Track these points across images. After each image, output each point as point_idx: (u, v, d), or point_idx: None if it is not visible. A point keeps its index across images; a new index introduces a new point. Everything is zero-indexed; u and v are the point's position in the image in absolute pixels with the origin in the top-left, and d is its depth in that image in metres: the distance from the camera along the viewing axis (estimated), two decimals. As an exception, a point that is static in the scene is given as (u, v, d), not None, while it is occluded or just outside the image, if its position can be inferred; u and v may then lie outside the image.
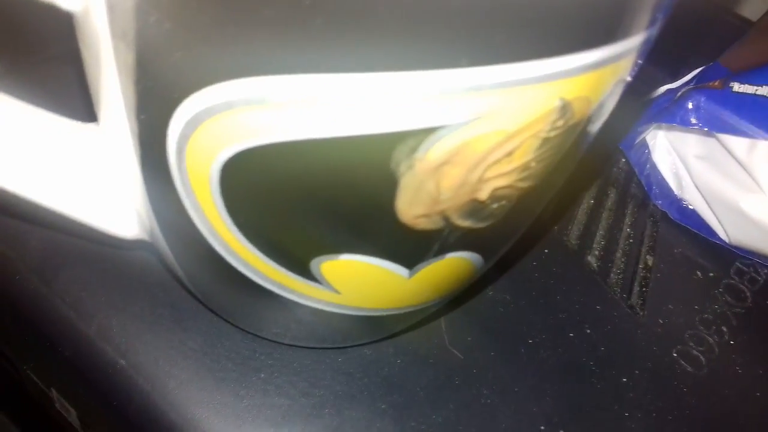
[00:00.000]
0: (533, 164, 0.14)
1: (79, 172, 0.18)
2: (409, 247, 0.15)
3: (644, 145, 0.27)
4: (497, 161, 0.13)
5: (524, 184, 0.14)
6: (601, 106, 0.14)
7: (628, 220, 0.27)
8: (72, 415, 0.23)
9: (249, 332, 0.20)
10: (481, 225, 0.15)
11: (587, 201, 0.27)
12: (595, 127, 0.15)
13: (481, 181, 0.14)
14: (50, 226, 0.19)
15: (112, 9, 0.12)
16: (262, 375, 0.20)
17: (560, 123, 0.13)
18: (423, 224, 0.14)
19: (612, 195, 0.28)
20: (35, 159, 0.17)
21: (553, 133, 0.13)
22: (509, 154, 0.13)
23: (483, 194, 0.14)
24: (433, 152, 0.12)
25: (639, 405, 0.22)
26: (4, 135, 0.17)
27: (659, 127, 0.27)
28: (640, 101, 0.26)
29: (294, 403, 0.20)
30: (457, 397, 0.21)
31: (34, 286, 0.20)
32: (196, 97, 0.12)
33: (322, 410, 0.20)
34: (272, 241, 0.15)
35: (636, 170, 0.28)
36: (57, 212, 0.17)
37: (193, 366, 0.19)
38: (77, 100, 0.18)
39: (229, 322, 0.20)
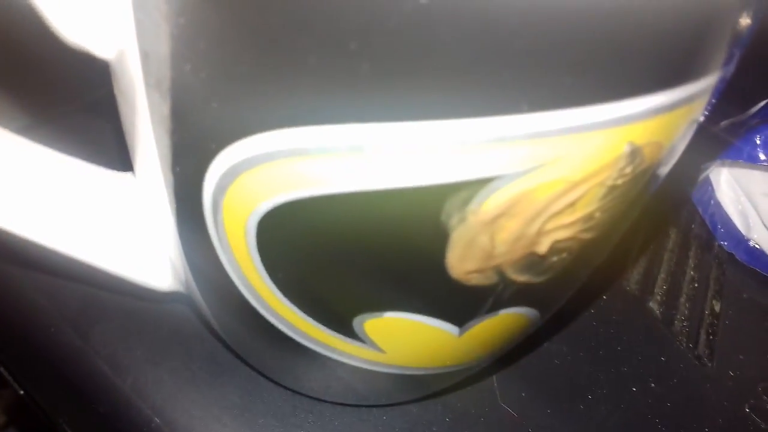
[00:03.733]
0: (597, 214, 0.13)
1: (113, 222, 0.17)
2: (460, 304, 0.14)
3: (708, 182, 0.26)
4: (558, 212, 0.12)
5: (587, 236, 0.13)
6: (672, 149, 0.13)
7: (691, 263, 0.25)
8: (107, 472, 0.22)
9: (289, 388, 0.19)
10: (538, 279, 0.14)
11: (647, 242, 0.25)
12: (664, 171, 0.14)
13: (541, 233, 0.12)
14: (84, 280, 0.19)
15: (146, 57, 0.11)
16: (303, 434, 0.19)
17: (628, 170, 0.12)
18: (475, 280, 0.13)
19: (673, 235, 0.26)
20: (69, 210, 0.17)
21: (620, 181, 0.12)
22: (572, 204, 0.12)
23: (542, 248, 0.13)
24: (488, 204, 0.11)
25: (712, 469, 0.20)
26: (40, 186, 0.16)
27: (723, 164, 0.25)
28: (705, 136, 0.25)
29: (336, 464, 0.18)
30: (512, 459, 0.19)
31: (69, 339, 0.20)
32: (233, 149, 0.11)
33: (367, 473, 0.18)
34: (312, 298, 0.14)
35: (699, 209, 0.26)
36: (91, 265, 0.17)
37: (232, 424, 0.18)
38: (114, 150, 0.17)
39: (267, 377, 0.19)
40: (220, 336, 0.18)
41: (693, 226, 0.26)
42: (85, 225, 0.17)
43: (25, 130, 0.17)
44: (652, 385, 0.21)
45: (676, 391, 0.21)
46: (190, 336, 0.20)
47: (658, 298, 0.24)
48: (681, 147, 0.14)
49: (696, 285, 0.25)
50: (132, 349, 0.19)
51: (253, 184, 0.12)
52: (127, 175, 0.17)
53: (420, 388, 0.18)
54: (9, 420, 0.55)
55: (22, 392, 0.24)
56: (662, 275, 0.25)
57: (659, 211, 0.27)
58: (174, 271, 0.17)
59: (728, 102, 0.26)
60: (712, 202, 0.26)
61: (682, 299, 0.24)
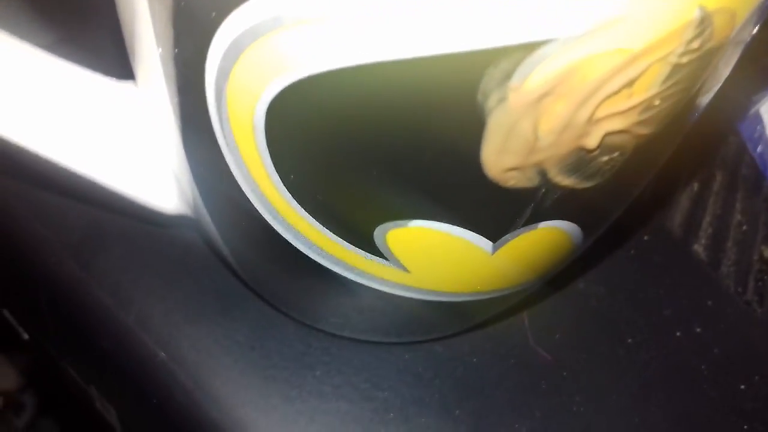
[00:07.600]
0: (657, 102, 0.11)
1: (115, 133, 0.16)
2: (495, 211, 0.12)
3: (758, 117, 0.24)
4: (614, 94, 0.10)
5: (642, 130, 0.12)
6: (743, 29, 0.11)
7: (739, 206, 0.23)
8: (112, 415, 0.21)
9: (303, 323, 0.18)
10: (585, 184, 0.12)
11: (691, 183, 0.24)
12: (727, 66, 0.12)
13: (592, 121, 0.11)
14: (85, 200, 0.18)
15: None
16: (318, 373, 0.17)
17: (696, 44, 0.10)
18: (514, 180, 0.12)
19: (719, 176, 0.24)
20: (70, 119, 0.16)
21: (685, 59, 0.10)
22: (630, 84, 0.10)
23: (592, 140, 0.11)
24: (532, 79, 0.10)
25: (760, 417, 0.18)
26: (39, 92, 0.15)
27: (776, 97, 0.23)
28: (755, 66, 0.23)
29: (353, 406, 0.17)
30: (545, 404, 0.18)
31: (71, 270, 0.18)
32: (236, 15, 0.10)
33: (386, 415, 0.17)
34: (328, 204, 0.12)
35: (748, 146, 0.24)
36: (92, 180, 0.16)
37: (241, 361, 0.17)
38: (117, 61, 0.16)
39: (281, 311, 0.18)
40: (230, 263, 0.17)
41: (741, 166, 0.25)
42: (84, 135, 0.15)
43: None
44: (698, 330, 0.20)
45: (723, 337, 0.20)
46: (199, 266, 0.18)
47: (704, 242, 0.22)
48: (746, 37, 0.12)
49: (744, 228, 0.23)
50: (136, 280, 0.18)
51: (259, 60, 0.10)
52: (129, 83, 0.16)
53: (446, 321, 0.17)
54: (27, 383, 0.55)
55: (26, 337, 0.23)
56: (707, 218, 0.23)
57: (704, 149, 0.25)
58: (180, 191, 0.16)
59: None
60: (761, 140, 0.24)
61: (729, 244, 0.22)
